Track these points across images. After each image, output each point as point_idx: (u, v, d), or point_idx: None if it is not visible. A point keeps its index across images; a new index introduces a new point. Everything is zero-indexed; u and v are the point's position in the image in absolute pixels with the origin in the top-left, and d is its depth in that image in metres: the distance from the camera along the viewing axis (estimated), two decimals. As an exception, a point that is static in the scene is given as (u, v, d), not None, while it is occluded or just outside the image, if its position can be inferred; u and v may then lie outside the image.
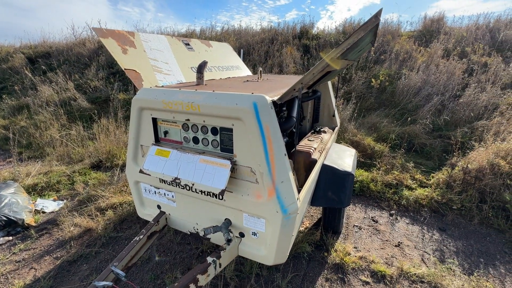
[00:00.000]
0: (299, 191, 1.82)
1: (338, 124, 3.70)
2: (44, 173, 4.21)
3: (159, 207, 2.17)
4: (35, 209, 3.33)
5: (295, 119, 2.37)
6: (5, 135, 6.25)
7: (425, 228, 3.00)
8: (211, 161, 1.69)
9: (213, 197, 1.80)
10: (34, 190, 3.73)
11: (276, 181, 1.54)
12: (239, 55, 4.31)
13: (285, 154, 1.59)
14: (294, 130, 3.41)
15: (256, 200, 1.63)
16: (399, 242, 2.76)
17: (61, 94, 7.56)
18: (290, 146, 2.82)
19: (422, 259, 2.54)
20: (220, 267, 1.70)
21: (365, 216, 3.19)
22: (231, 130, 1.62)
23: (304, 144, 2.64)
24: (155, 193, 2.12)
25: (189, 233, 2.10)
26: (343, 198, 2.42)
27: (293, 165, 1.90)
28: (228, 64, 3.61)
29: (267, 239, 1.73)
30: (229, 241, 1.68)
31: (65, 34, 20.24)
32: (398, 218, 3.18)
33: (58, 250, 2.66)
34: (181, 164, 1.77)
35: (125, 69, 2.08)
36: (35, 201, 3.48)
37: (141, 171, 1.88)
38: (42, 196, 3.66)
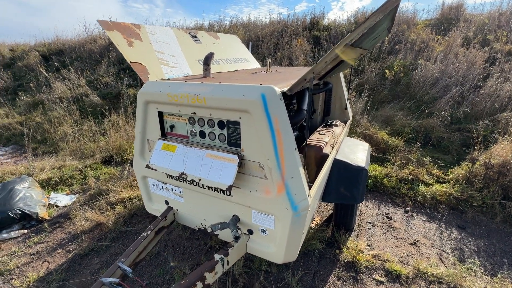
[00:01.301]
0: (309, 187, 1.74)
1: (351, 117, 3.57)
2: (58, 168, 4.30)
3: (166, 202, 2.15)
4: (49, 203, 3.40)
5: (306, 111, 2.28)
6: (21, 131, 6.43)
7: (443, 225, 2.86)
8: (218, 156, 1.63)
9: (220, 193, 1.74)
10: (48, 185, 3.81)
11: (285, 177, 1.47)
12: (248, 47, 4.21)
13: (295, 148, 1.51)
14: (305, 124, 3.32)
15: (265, 196, 1.57)
16: (415, 240, 2.64)
17: (74, 90, 7.70)
18: (301, 140, 2.73)
19: (440, 259, 2.42)
20: (228, 264, 1.65)
21: (379, 213, 3.07)
22: (238, 123, 1.55)
23: (315, 138, 2.54)
24: (163, 188, 2.09)
25: (197, 229, 2.07)
26: (356, 194, 2.32)
27: (303, 160, 1.81)
28: (236, 56, 3.52)
29: (276, 236, 1.66)
30: (237, 238, 1.62)
31: (77, 31, 20.60)
32: (414, 215, 3.04)
33: (70, 243, 2.70)
34: (188, 159, 1.72)
35: (130, 62, 2.04)
36: (49, 195, 3.56)
37: (147, 166, 1.84)
38: (55, 191, 3.73)
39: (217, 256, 1.60)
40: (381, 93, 5.86)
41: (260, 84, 1.48)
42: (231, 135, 1.64)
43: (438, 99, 5.25)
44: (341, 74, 3.43)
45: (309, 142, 2.46)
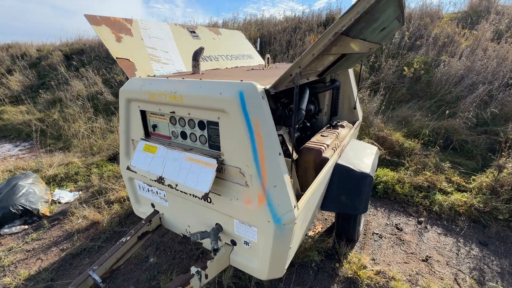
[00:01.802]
0: (300, 196, 1.56)
1: (360, 118, 3.31)
2: (66, 164, 4.38)
3: (153, 205, 2.04)
4: (52, 199, 3.44)
5: (304, 111, 2.09)
6: (40, 127, 6.70)
7: (461, 241, 2.55)
8: (197, 160, 1.48)
9: (201, 199, 1.61)
10: (54, 181, 3.88)
11: (267, 186, 1.30)
12: (255, 44, 4.05)
13: (279, 154, 1.33)
14: (309, 124, 3.11)
15: (246, 206, 1.40)
16: (427, 256, 2.36)
17: (90, 88, 7.92)
18: (303, 142, 2.54)
19: (456, 280, 2.14)
20: (206, 278, 1.51)
21: (388, 223, 2.81)
22: (217, 124, 1.40)
23: (315, 141, 2.34)
24: (148, 190, 1.99)
25: (182, 235, 1.95)
26: (358, 203, 2.10)
27: (293, 166, 1.63)
28: (239, 53, 3.37)
29: (259, 250, 1.50)
30: (215, 251, 1.48)
31: (99, 31, 21.29)
32: (428, 227, 2.75)
33: (65, 242, 2.69)
34: (167, 161, 1.59)
35: (116, 58, 1.94)
36: (53, 191, 3.61)
37: (128, 168, 1.74)
38: (60, 187, 3.79)
39: (193, 269, 1.46)
40: (399, 91, 5.47)
41: (241, 81, 1.32)
42: (211, 137, 1.49)
43: (462, 99, 4.80)
44: (351, 71, 3.17)
45: (308, 144, 2.27)
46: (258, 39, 4.35)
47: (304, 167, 2.26)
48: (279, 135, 2.30)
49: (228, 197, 1.47)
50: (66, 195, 3.56)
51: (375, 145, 4.01)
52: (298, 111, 2.13)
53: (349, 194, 2.12)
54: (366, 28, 1.40)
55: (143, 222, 1.92)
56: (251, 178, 1.33)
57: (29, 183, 3.32)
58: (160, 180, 1.56)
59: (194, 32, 2.90)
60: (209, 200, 1.56)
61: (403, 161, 3.75)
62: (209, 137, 1.50)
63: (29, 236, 2.79)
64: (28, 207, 3.03)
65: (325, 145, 2.25)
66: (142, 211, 2.15)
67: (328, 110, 3.27)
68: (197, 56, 2.00)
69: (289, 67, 1.21)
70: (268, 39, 8.03)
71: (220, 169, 1.46)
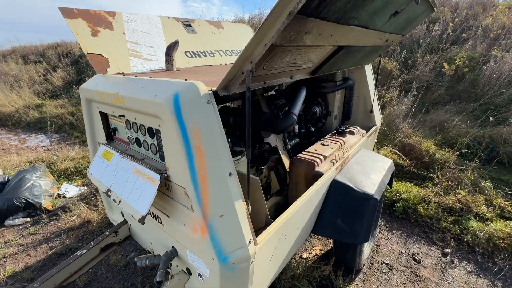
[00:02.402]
0: (268, 225, 1.25)
1: (378, 123, 2.83)
2: (81, 158, 4.52)
3: (122, 214, 1.88)
4: (58, 193, 3.52)
5: (295, 116, 1.76)
6: (70, 120, 7.13)
7: (499, 285, 2.01)
8: (143, 173, 1.25)
9: (153, 217, 1.38)
10: (64, 174, 4.00)
11: (209, 215, 1.02)
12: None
13: (230, 174, 1.04)
14: (313, 129, 2.73)
15: (192, 234, 1.14)
16: (449, 301, 1.89)
17: (116, 84, 8.25)
18: (299, 150, 2.21)
19: None
20: (151, 312, 1.29)
21: (403, 251, 2.34)
22: (160, 133, 1.15)
23: (311, 151, 1.99)
24: (117, 198, 1.82)
25: (147, 251, 1.75)
26: (358, 230, 1.72)
27: (259, 186, 1.32)
28: (242, 47, 3.09)
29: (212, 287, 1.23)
30: (158, 283, 1.24)
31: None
32: (455, 261, 2.23)
33: (56, 239, 2.69)
34: (118, 171, 1.39)
35: (87, 53, 1.79)
36: (61, 185, 3.70)
37: (87, 175, 1.58)
38: (69, 181, 3.89)
39: (133, 302, 1.24)
40: (435, 92, 4.74)
41: (186, 80, 1.04)
42: (161, 147, 1.25)
43: (516, 102, 3.98)
44: (368, 68, 2.72)
45: (300, 155, 1.92)
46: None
47: (294, 181, 1.93)
48: (265, 143, 1.99)
49: (175, 221, 1.22)
50: (72, 190, 3.62)
51: (398, 154, 3.47)
52: (288, 115, 1.80)
53: (346, 218, 1.74)
54: (355, 10, 1.03)
55: (107, 233, 1.76)
56: (192, 202, 1.06)
57: (36, 176, 3.42)
58: (108, 193, 1.36)
59: (189, 25, 2.69)
60: (159, 220, 1.33)
61: (432, 175, 3.17)
62: (158, 146, 1.26)
63: (27, 230, 2.84)
64: (31, 201, 3.10)
65: (321, 157, 1.89)
66: (115, 218, 2.00)
67: (339, 113, 2.85)
68: (170, 50, 1.77)
69: (235, 61, 0.91)
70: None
71: (168, 186, 1.22)
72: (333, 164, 1.91)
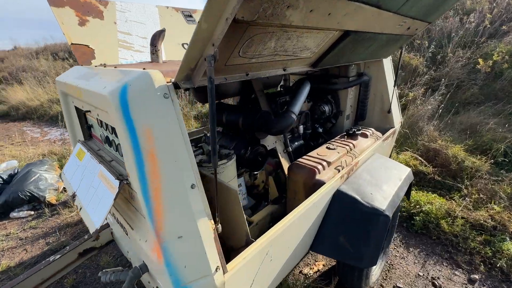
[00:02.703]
0: (248, 244, 1.05)
1: (397, 125, 2.50)
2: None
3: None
4: (64, 187, 3.54)
5: (294, 115, 1.54)
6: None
7: (540, 325, 1.65)
8: (105, 177, 1.09)
9: (121, 227, 1.22)
10: (73, 168, 4.03)
11: (163, 235, 0.83)
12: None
13: (192, 186, 0.85)
14: (320, 130, 2.46)
15: (151, 253, 0.96)
16: None
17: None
18: (303, 151, 1.97)
19: None
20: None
21: (421, 274, 2.03)
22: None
23: (314, 155, 1.75)
24: (99, 200, 1.70)
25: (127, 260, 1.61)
26: (363, 252, 1.46)
27: (236, 199, 1.11)
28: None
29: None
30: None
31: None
32: (485, 290, 1.89)
33: (53, 235, 2.66)
34: (85, 173, 1.24)
35: (71, 44, 1.67)
36: (68, 179, 3.72)
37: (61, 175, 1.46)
38: (77, 175, 3.91)
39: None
40: (467, 91, 4.24)
41: (144, 69, 0.86)
42: (124, 148, 1.08)
43: None
44: (387, 62, 2.40)
45: (300, 160, 1.69)
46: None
47: (292, 190, 1.70)
48: (261, 145, 1.76)
49: (139, 235, 1.05)
50: (77, 184, 3.62)
51: (421, 160, 3.10)
52: (286, 114, 1.57)
53: (351, 237, 1.49)
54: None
55: (85, 237, 1.64)
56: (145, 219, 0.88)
57: (43, 170, 3.44)
58: (74, 197, 1.22)
59: (190, 16, 2.52)
60: (125, 232, 1.17)
61: (459, 185, 2.78)
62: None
63: (28, 224, 2.85)
64: (35, 194, 3.12)
65: (324, 163, 1.64)
66: (100, 220, 1.88)
67: (352, 113, 2.56)
68: (155, 40, 1.59)
69: (190, 43, 0.70)
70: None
71: (132, 195, 1.04)
72: (338, 171, 1.66)
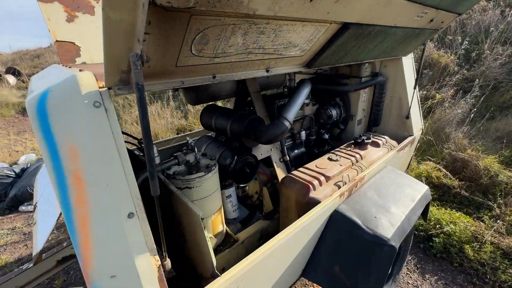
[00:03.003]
0: (215, 277, 0.88)
1: (416, 133, 2.20)
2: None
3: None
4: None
5: (288, 122, 1.35)
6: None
7: None
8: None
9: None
10: (83, 164, 4.11)
11: (92, 273, 0.68)
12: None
13: (130, 215, 0.69)
14: (327, 136, 2.22)
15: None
16: None
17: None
18: (305, 161, 1.77)
19: None
20: None
21: (436, 307, 1.75)
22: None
23: (312, 168, 1.53)
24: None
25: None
26: (362, 285, 1.23)
27: (200, 225, 0.94)
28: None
29: None
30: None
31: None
32: (516, 336, 1.57)
33: (55, 231, 2.68)
34: (48, 184, 1.14)
35: (56, 41, 1.60)
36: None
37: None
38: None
39: None
40: (506, 93, 3.74)
41: (80, 70, 0.71)
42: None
43: None
44: (407, 61, 2.10)
45: (295, 173, 1.49)
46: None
47: (285, 206, 1.51)
48: (250, 155, 1.58)
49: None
50: (85, 180, 3.68)
51: (445, 172, 2.75)
52: (278, 121, 1.38)
53: (347, 268, 1.27)
54: None
55: (65, 244, 1.56)
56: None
57: (52, 165, 3.51)
58: (34, 208, 1.12)
59: (191, 11, 2.38)
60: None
61: (491, 203, 2.41)
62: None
63: (34, 219, 2.90)
64: (43, 189, 3.18)
65: (321, 177, 1.43)
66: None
67: (364, 117, 2.29)
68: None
69: (103, 40, 0.54)
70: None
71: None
72: (338, 188, 1.43)
